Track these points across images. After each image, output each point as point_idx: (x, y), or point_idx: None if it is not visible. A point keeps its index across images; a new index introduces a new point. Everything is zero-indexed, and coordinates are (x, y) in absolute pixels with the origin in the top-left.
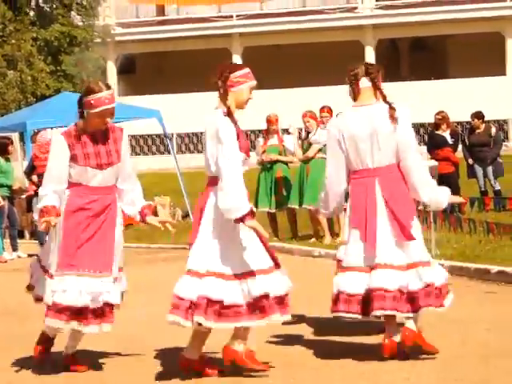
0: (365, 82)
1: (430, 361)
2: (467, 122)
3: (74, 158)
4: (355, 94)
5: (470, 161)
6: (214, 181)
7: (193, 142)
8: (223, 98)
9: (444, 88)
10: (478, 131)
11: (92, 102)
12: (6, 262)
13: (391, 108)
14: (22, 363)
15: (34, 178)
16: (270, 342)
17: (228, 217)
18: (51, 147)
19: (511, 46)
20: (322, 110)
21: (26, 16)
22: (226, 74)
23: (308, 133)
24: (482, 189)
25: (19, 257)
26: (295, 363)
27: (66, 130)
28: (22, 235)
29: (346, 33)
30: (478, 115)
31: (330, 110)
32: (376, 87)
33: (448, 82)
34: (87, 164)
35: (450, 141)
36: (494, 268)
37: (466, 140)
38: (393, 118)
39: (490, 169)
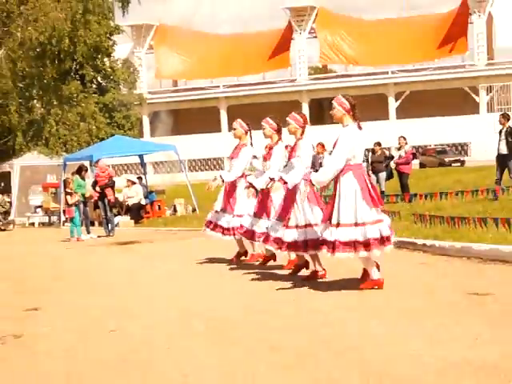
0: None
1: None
2: (366, 149)
3: None
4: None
5: (370, 173)
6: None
7: (197, 165)
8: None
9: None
10: (377, 154)
11: None
12: (82, 240)
13: None
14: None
15: (97, 188)
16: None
17: None
18: None
19: (392, 102)
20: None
21: (90, 88)
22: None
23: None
24: (380, 191)
25: (91, 237)
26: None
27: None
28: (92, 224)
29: (289, 95)
30: (378, 143)
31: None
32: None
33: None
34: None
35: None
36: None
37: (370, 158)
38: None
39: (381, 176)
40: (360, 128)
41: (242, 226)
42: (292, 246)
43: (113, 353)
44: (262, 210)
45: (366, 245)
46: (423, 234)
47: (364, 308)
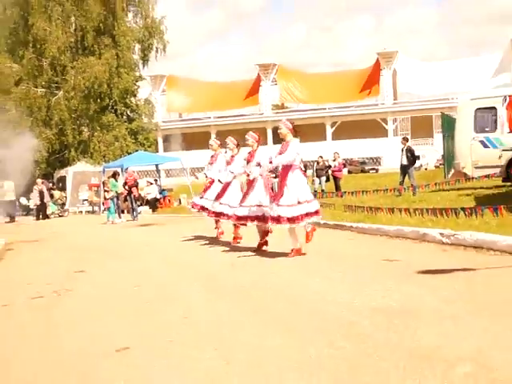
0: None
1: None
2: (311, 161)
3: None
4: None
5: (315, 178)
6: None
7: (196, 171)
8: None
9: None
10: (320, 164)
11: None
12: (115, 223)
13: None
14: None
15: (126, 187)
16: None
17: None
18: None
19: (328, 128)
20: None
21: (122, 118)
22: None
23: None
24: (321, 190)
25: (122, 221)
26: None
27: None
28: (123, 212)
29: (259, 124)
30: (321, 157)
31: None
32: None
33: (303, 144)
34: None
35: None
36: (322, 221)
37: (315, 167)
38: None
39: (323, 179)
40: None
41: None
42: (246, 218)
43: (134, 302)
44: (219, 196)
45: (315, 213)
46: (350, 219)
47: (312, 270)
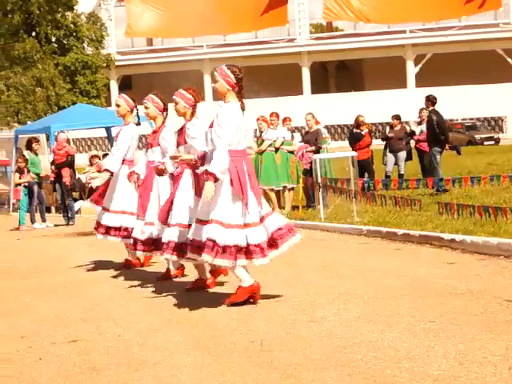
0: None
1: (355, 300)
2: (379, 123)
3: None
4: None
5: (388, 154)
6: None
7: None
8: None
9: (361, 98)
10: (395, 129)
11: None
12: (34, 229)
13: None
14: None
15: (52, 167)
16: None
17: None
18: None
19: (410, 66)
20: (271, 114)
21: (48, 47)
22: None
23: (261, 132)
24: (388, 174)
25: (47, 226)
26: None
27: None
28: (49, 210)
29: (287, 58)
30: (397, 117)
31: (277, 115)
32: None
33: (364, 93)
34: None
35: (363, 134)
36: (400, 231)
37: (387, 134)
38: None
39: (401, 156)
40: (243, 109)
41: None
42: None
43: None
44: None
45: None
46: (451, 227)
47: (385, 317)
